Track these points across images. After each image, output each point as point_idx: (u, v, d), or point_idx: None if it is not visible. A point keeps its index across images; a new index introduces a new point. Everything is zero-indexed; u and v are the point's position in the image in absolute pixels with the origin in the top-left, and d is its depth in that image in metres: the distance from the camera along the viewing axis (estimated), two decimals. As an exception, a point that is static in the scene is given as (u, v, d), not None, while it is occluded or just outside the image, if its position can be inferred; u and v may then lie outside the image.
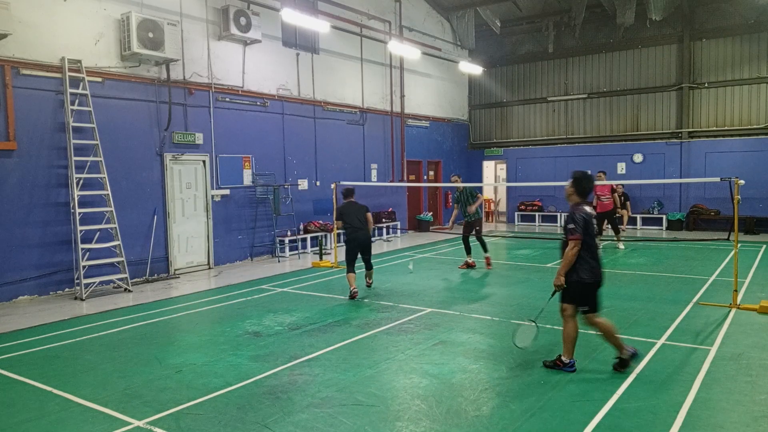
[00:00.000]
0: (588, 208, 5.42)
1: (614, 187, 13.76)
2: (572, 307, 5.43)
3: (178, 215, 11.68)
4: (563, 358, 5.50)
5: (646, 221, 18.52)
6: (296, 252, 13.97)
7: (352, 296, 8.86)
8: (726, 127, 17.41)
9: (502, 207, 22.62)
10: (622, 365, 5.43)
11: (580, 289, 5.35)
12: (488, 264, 11.52)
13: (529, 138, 21.02)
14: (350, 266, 9.15)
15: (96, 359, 6.24)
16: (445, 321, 7.47)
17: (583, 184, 5.49)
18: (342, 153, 15.90)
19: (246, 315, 8.08)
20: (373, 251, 14.66)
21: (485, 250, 11.57)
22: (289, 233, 13.83)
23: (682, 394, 4.87)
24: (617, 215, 13.83)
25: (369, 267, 9.71)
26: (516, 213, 20.99)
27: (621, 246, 13.77)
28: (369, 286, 9.77)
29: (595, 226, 5.47)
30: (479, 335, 6.83)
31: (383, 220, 16.82)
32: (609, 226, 14.12)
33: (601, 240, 13.76)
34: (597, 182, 13.41)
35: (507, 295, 9.07)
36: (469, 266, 11.59)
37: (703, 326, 6.98)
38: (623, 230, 17.84)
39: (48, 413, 4.80)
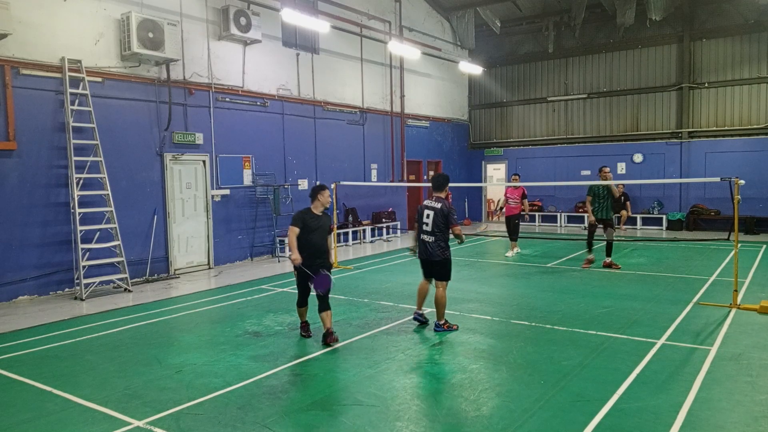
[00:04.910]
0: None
1: (525, 192, 13.13)
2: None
3: (178, 215, 11.68)
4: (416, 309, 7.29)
5: (646, 221, 18.52)
6: (296, 252, 13.94)
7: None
8: (726, 127, 17.41)
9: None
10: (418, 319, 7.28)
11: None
12: (614, 266, 11.13)
13: (529, 138, 21.02)
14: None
15: (96, 359, 6.24)
16: (445, 321, 7.47)
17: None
18: (342, 153, 15.90)
19: (246, 315, 8.08)
20: (374, 251, 14.81)
21: (608, 253, 11.29)
22: (289, 233, 13.82)
23: (682, 394, 4.87)
24: (517, 221, 13.12)
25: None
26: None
27: (510, 254, 12.99)
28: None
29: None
30: (479, 335, 6.83)
31: (383, 220, 16.83)
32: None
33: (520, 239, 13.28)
34: (509, 185, 13.14)
35: (507, 295, 9.07)
36: (590, 262, 11.34)
37: (703, 326, 6.98)
38: (623, 230, 17.89)
39: (48, 413, 4.80)
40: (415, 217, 7.12)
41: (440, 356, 6.08)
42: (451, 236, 7.03)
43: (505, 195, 13.39)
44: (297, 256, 6.42)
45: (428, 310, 7.50)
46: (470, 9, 19.46)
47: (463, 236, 7.02)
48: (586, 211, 13.24)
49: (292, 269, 6.70)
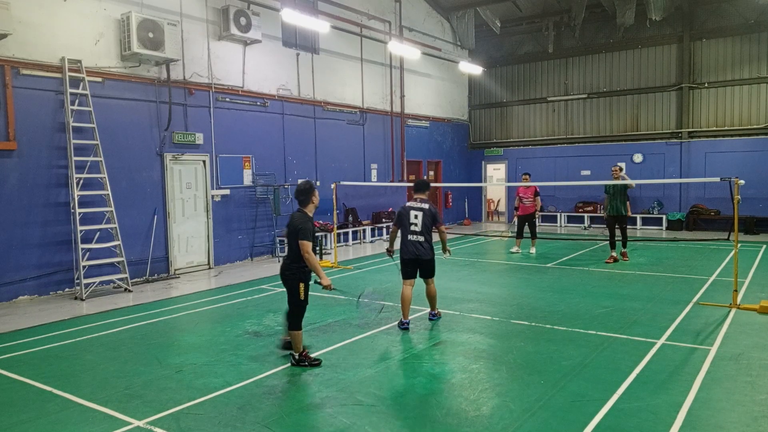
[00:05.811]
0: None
1: (537, 190, 13.45)
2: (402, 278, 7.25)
3: (178, 215, 11.68)
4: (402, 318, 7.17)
5: (646, 221, 18.52)
6: (296, 252, 13.93)
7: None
8: (726, 127, 17.41)
9: (502, 207, 22.61)
10: (400, 324, 7.12)
11: (401, 265, 7.26)
12: (624, 257, 12.06)
13: (529, 138, 21.01)
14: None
15: (96, 359, 6.24)
16: (445, 321, 7.48)
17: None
18: (342, 153, 15.91)
19: (246, 315, 8.08)
20: (374, 251, 14.79)
21: (623, 245, 12.10)
22: (289, 233, 13.82)
23: (682, 394, 4.87)
24: (534, 220, 13.54)
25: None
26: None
27: (533, 250, 13.28)
28: None
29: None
30: (479, 335, 6.84)
31: (383, 220, 16.83)
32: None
33: (524, 238, 13.55)
34: (519, 184, 13.59)
35: (507, 295, 9.07)
36: (615, 260, 11.90)
37: (703, 326, 6.98)
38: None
39: (48, 413, 4.80)
40: (395, 219, 7.40)
41: (440, 356, 6.09)
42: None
43: (518, 194, 13.62)
44: (329, 280, 5.67)
45: (413, 316, 7.58)
46: (470, 9, 19.46)
47: (447, 242, 7.55)
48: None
49: (303, 288, 5.72)
